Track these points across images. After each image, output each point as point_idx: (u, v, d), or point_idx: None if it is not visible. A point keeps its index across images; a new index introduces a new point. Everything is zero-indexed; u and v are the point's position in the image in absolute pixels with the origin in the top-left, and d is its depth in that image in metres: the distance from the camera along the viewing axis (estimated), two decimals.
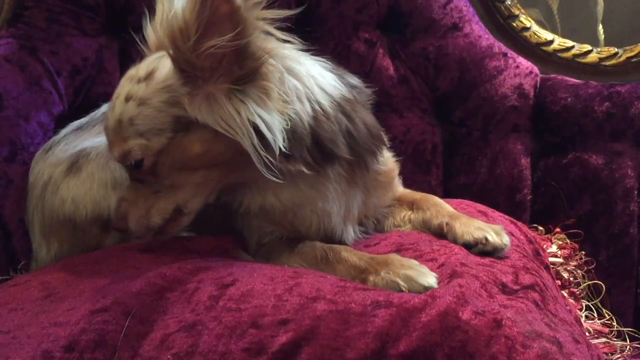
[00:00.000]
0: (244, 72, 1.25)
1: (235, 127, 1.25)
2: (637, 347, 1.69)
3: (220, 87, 1.26)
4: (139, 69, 1.34)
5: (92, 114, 1.73)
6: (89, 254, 1.41)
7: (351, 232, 1.50)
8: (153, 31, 1.41)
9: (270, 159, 1.25)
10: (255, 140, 1.24)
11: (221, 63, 1.24)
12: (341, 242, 1.47)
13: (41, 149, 1.71)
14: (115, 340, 1.08)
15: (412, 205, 1.57)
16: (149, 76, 1.31)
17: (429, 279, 1.20)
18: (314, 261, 1.35)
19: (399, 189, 1.67)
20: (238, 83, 1.25)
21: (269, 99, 1.26)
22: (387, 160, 1.58)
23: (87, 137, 1.64)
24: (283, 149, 1.26)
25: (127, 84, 1.33)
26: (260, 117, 1.24)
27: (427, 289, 1.17)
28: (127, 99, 1.31)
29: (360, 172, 1.44)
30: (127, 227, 1.35)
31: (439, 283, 1.20)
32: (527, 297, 1.18)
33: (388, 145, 1.57)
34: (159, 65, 1.32)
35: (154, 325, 1.11)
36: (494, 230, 1.37)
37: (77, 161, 1.57)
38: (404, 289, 1.18)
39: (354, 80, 1.49)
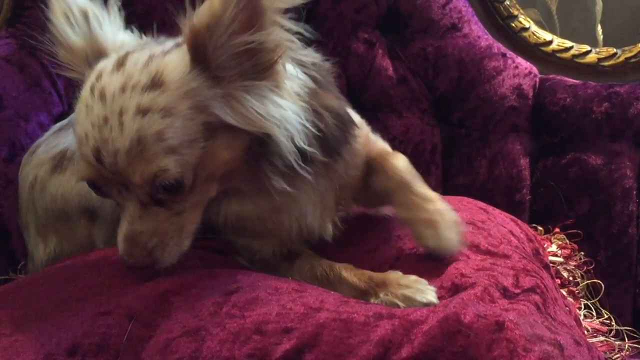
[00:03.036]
0: (258, 68, 1.15)
1: (266, 122, 1.15)
2: (635, 347, 1.70)
3: (236, 85, 1.15)
4: (134, 77, 1.13)
5: (71, 116, 1.67)
6: (91, 257, 1.40)
7: (329, 228, 1.43)
8: (72, 34, 1.27)
9: (295, 153, 1.19)
10: (290, 130, 1.17)
11: (237, 60, 1.13)
12: (321, 239, 1.42)
13: (27, 152, 1.71)
14: (118, 344, 1.08)
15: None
16: (158, 82, 1.13)
17: (428, 295, 1.19)
18: (315, 280, 1.31)
19: (374, 147, 1.50)
20: (251, 79, 1.16)
21: (281, 91, 1.18)
22: (359, 136, 1.42)
23: (65, 135, 1.63)
24: (303, 146, 1.20)
25: (127, 96, 1.11)
26: (286, 108, 1.17)
27: (427, 305, 1.16)
28: (143, 111, 1.10)
29: (336, 164, 1.35)
30: (155, 261, 1.19)
31: (439, 298, 1.20)
32: (529, 300, 1.18)
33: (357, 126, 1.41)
34: (160, 66, 1.15)
35: (157, 330, 1.10)
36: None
37: (62, 163, 1.58)
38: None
39: (311, 56, 1.30)
